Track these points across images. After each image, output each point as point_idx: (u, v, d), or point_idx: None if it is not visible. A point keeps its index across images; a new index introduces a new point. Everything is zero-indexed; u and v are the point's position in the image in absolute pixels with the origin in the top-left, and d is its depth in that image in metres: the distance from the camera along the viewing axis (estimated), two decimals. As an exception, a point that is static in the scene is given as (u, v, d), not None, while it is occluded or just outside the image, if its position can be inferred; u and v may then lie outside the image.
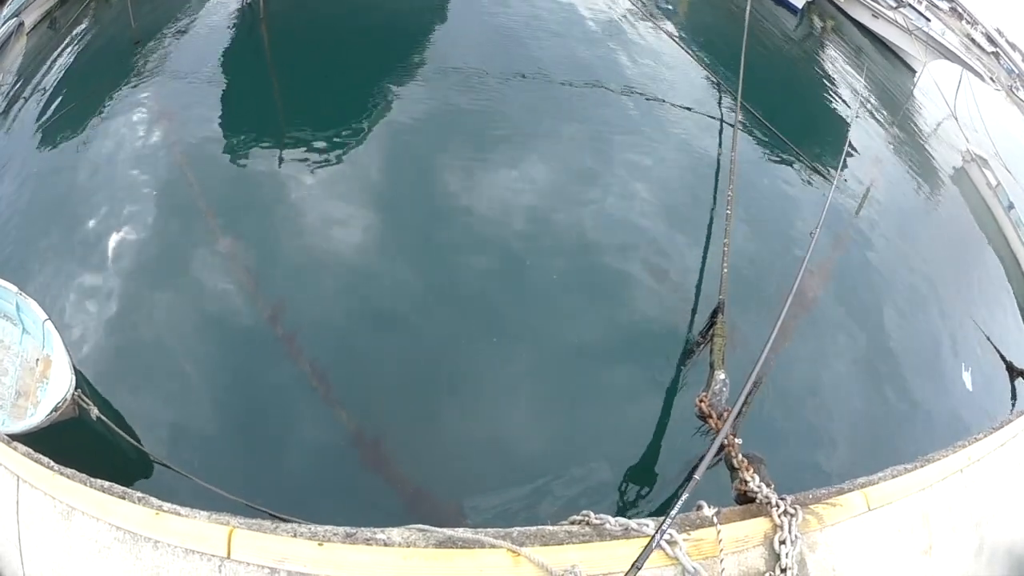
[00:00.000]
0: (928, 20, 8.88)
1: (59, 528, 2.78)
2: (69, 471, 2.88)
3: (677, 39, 8.21)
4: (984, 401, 5.49)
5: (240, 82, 7.03)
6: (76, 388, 4.13)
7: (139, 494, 2.72)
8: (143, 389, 4.63)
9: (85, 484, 2.81)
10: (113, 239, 5.46)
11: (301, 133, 6.32)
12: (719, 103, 7.24)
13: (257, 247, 5.25)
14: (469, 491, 3.87)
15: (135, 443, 3.97)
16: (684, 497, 2.93)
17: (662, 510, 3.56)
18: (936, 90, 9.06)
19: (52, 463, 2.93)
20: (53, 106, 7.17)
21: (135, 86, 7.05)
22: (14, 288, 4.64)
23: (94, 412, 4.07)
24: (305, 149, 6.07)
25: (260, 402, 4.47)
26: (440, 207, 5.41)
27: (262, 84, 6.99)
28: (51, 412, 4.09)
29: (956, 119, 8.74)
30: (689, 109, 7.14)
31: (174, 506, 2.61)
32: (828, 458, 4.45)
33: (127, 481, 3.88)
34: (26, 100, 7.42)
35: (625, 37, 8.05)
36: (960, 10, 8.91)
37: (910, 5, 8.96)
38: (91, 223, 5.63)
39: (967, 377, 5.50)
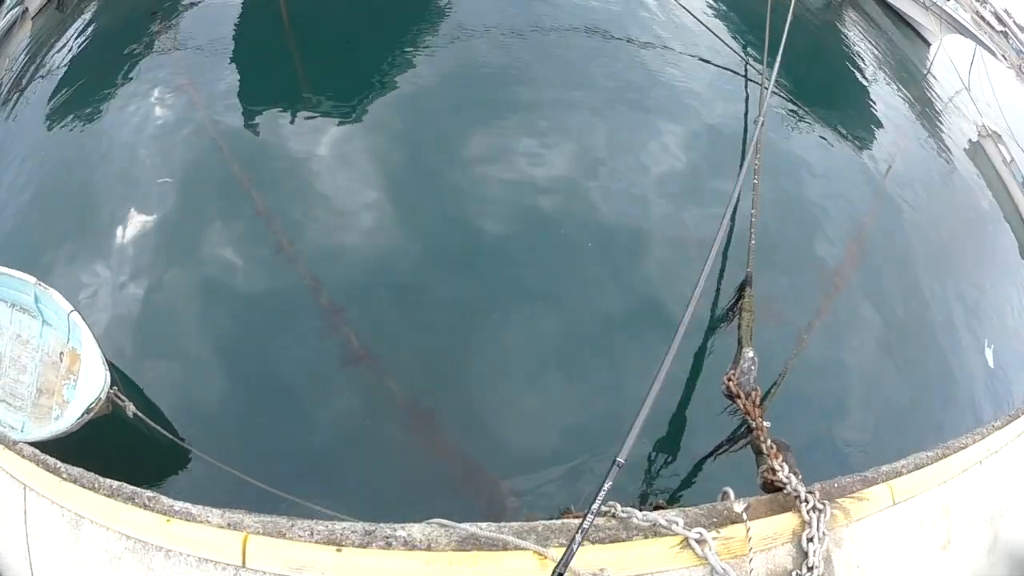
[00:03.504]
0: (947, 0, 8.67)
1: (69, 538, 2.64)
2: (76, 472, 2.70)
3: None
4: (1005, 379, 5.47)
5: (260, 50, 6.83)
6: (112, 386, 3.76)
7: (149, 494, 2.55)
8: (176, 375, 4.39)
9: (93, 489, 2.63)
10: (138, 217, 5.22)
11: (323, 100, 6.07)
12: (744, 70, 6.95)
13: (291, 218, 5.03)
14: (509, 466, 3.80)
15: (171, 436, 3.67)
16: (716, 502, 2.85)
17: (685, 492, 3.53)
18: (951, 65, 8.89)
19: (59, 465, 2.75)
20: (66, 86, 6.90)
21: (153, 59, 6.80)
22: (32, 279, 4.36)
23: (130, 409, 3.70)
24: (328, 116, 5.84)
25: (302, 373, 4.29)
26: (464, 174, 5.17)
27: (282, 51, 6.74)
28: (83, 414, 3.72)
29: (970, 94, 8.60)
30: (713, 65, 6.90)
31: (185, 505, 2.46)
32: (846, 434, 4.40)
33: (161, 475, 3.75)
34: (38, 81, 7.18)
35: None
36: None
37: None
38: (111, 202, 5.38)
39: (989, 354, 5.47)
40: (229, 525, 2.38)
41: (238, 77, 6.26)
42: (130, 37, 7.08)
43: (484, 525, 2.50)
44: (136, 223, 5.17)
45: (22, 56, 7.98)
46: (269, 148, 5.55)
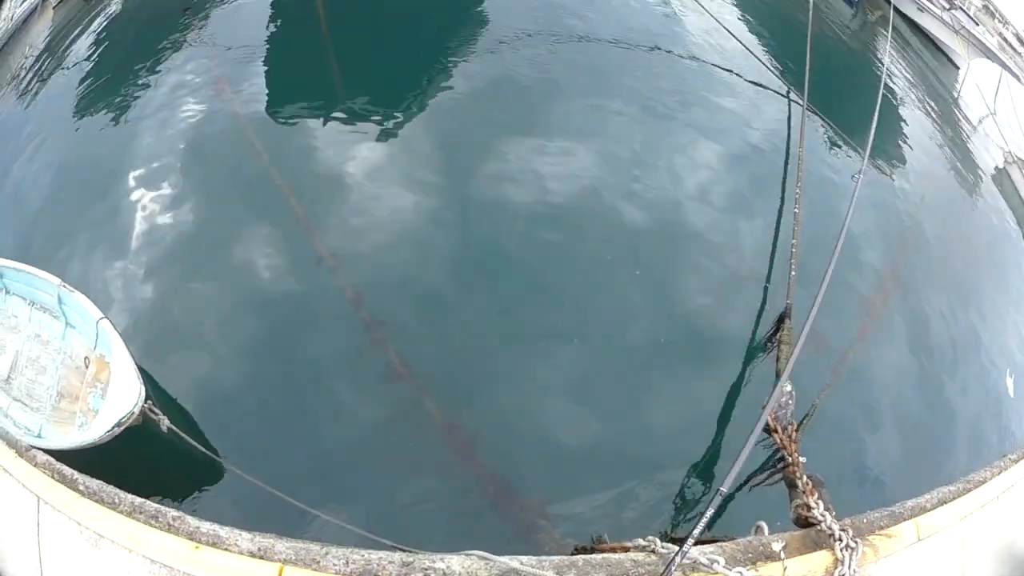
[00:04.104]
0: (977, 24, 8.67)
1: (87, 559, 2.44)
2: (95, 485, 2.52)
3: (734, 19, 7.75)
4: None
5: (295, 52, 6.68)
6: (147, 400, 3.57)
7: (174, 513, 2.41)
8: (207, 386, 4.23)
9: (113, 506, 2.45)
10: (169, 220, 5.03)
11: (359, 103, 5.90)
12: (784, 89, 6.85)
13: (329, 227, 4.88)
14: (541, 490, 3.71)
15: (203, 449, 3.50)
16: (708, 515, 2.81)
17: (717, 523, 3.49)
18: (978, 89, 8.90)
19: (76, 476, 2.57)
20: (92, 77, 6.69)
21: (184, 55, 6.60)
22: (56, 280, 4.20)
23: (164, 423, 3.50)
24: (366, 124, 5.68)
25: (341, 389, 4.16)
26: (501, 190, 5.03)
27: (318, 54, 6.58)
28: (114, 427, 3.52)
29: (995, 119, 8.62)
30: (755, 84, 6.83)
31: (213, 526, 2.33)
32: (868, 465, 4.41)
33: (185, 488, 3.56)
34: (63, 72, 6.95)
35: (679, 7, 7.66)
36: (992, 8, 8.74)
37: (961, 8, 8.70)
38: (137, 202, 5.17)
39: (1010, 383, 5.50)
40: (260, 551, 2.26)
41: (273, 80, 6.10)
42: (160, 32, 6.90)
43: (524, 559, 2.43)
44: (166, 227, 5.03)
45: (43, 46, 7.77)
46: (306, 154, 5.41)
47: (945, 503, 3.46)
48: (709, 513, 2.66)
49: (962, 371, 5.23)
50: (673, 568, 2.20)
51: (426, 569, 2.28)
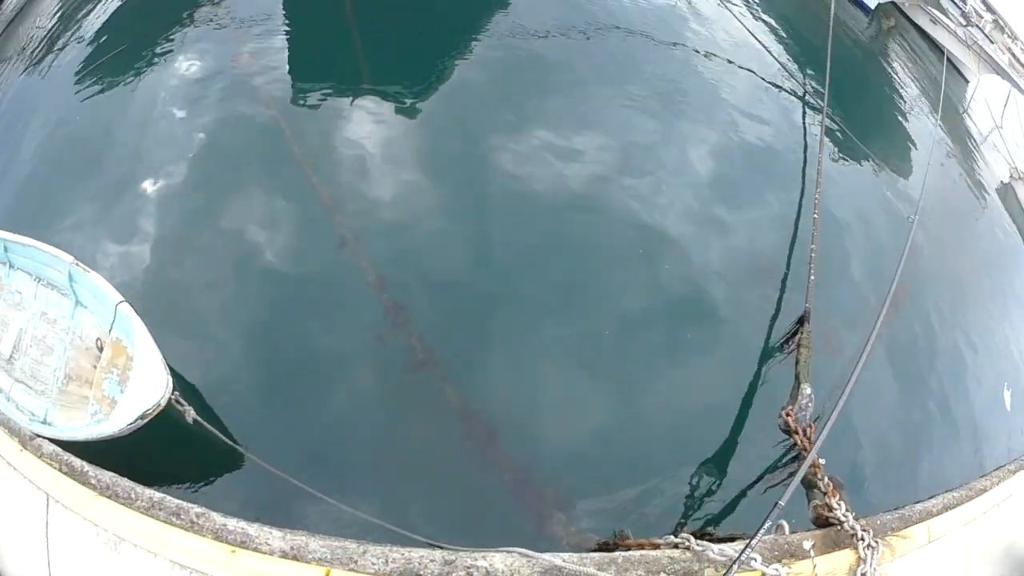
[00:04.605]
0: (992, 42, 8.90)
1: (104, 564, 2.26)
2: (107, 478, 2.34)
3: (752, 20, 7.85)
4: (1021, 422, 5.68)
5: (319, 33, 6.49)
6: (174, 391, 3.34)
7: (197, 509, 2.27)
8: (226, 373, 4.07)
9: (129, 502, 2.28)
10: (188, 201, 4.86)
11: (383, 85, 5.78)
12: (801, 92, 6.95)
13: (351, 210, 4.74)
14: (561, 482, 3.66)
15: (225, 438, 3.31)
16: (768, 524, 2.86)
17: (736, 523, 3.51)
18: (986, 104, 9.14)
19: (87, 468, 2.38)
20: (105, 52, 6.38)
21: (202, 32, 6.38)
22: (69, 257, 3.98)
23: (190, 415, 3.29)
24: (388, 106, 5.57)
25: (362, 376, 4.06)
26: (522, 182, 4.97)
27: (341, 37, 6.37)
28: (137, 419, 3.25)
29: (1002, 134, 8.85)
30: (765, 81, 6.85)
31: (241, 523, 2.21)
32: (869, 470, 4.50)
33: (204, 478, 3.38)
34: (73, 45, 6.65)
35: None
36: (1002, 23, 8.98)
37: (977, 26, 8.95)
38: (155, 180, 4.99)
39: (1008, 396, 5.66)
40: (293, 550, 2.16)
41: (296, 60, 5.96)
42: (177, 6, 6.65)
43: (566, 556, 2.42)
44: (186, 206, 4.87)
45: (54, 17, 7.37)
46: (329, 136, 5.29)
47: (950, 508, 3.61)
48: (766, 524, 2.68)
49: (963, 383, 5.39)
50: (735, 569, 2.21)
51: (468, 568, 2.24)
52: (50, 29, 7.20)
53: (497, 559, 2.28)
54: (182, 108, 5.42)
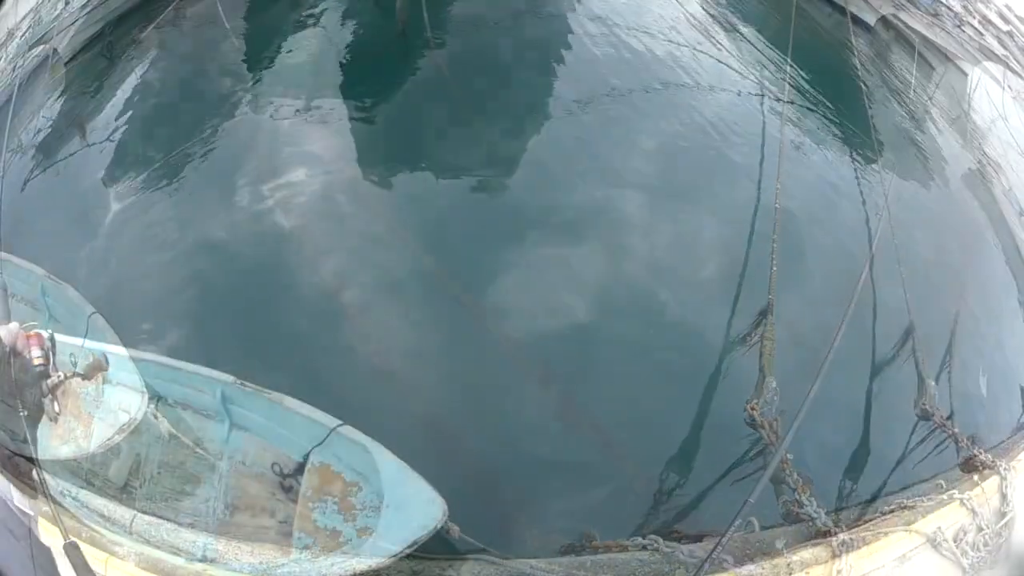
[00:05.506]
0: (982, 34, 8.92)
1: None
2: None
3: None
4: (996, 408, 5.71)
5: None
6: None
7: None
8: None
9: None
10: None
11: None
12: (760, 79, 6.94)
13: None
14: (524, 480, 3.61)
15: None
16: (738, 522, 2.84)
17: (706, 521, 3.49)
18: (986, 95, 9.14)
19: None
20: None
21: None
22: (40, 270, 3.96)
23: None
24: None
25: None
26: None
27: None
28: (114, 435, 3.22)
29: (1006, 123, 8.79)
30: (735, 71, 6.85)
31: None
32: (836, 459, 4.49)
33: None
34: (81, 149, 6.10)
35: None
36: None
37: (970, 24, 9.00)
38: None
39: (983, 383, 5.68)
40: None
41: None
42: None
43: (534, 562, 2.38)
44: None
45: (57, 109, 6.65)
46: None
47: (924, 498, 3.62)
48: (736, 522, 2.66)
49: (936, 370, 5.41)
50: (705, 569, 2.20)
51: (438, 577, 2.20)
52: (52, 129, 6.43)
53: (465, 568, 2.25)
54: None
